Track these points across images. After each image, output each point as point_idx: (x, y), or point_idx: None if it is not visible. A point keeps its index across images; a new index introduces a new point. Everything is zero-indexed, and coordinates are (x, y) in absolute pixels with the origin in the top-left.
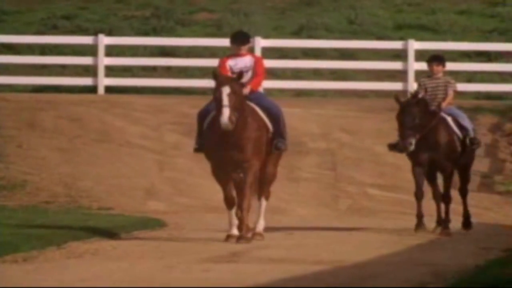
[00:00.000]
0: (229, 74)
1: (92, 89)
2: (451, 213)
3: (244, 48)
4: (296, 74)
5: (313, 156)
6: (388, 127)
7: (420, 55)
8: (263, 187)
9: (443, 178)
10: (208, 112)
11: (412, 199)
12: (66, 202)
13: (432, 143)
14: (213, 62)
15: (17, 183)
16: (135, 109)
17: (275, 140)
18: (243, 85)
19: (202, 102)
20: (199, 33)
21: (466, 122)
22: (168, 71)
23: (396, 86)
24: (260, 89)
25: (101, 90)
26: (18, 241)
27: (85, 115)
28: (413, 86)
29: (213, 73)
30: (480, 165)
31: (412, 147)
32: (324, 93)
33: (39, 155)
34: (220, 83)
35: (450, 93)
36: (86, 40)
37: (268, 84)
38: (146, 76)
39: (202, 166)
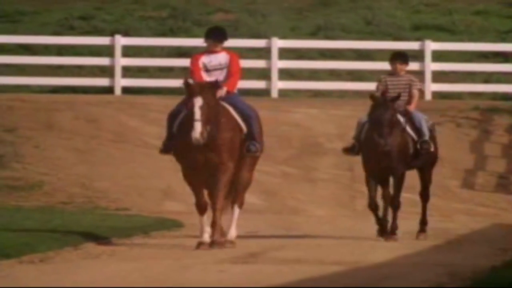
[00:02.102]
0: (201, 72)
1: (109, 90)
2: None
3: (220, 45)
4: (313, 74)
5: (330, 156)
6: None
7: (437, 56)
8: (236, 194)
9: (393, 181)
10: (179, 113)
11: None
12: (83, 203)
13: (385, 151)
14: None
15: (34, 184)
16: (151, 109)
17: (247, 142)
18: (219, 87)
19: None
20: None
21: (423, 123)
22: (185, 72)
23: None
24: (235, 89)
25: (117, 91)
26: (35, 242)
27: (101, 116)
28: (430, 87)
29: (184, 82)
30: (496, 165)
31: (389, 147)
32: (341, 94)
33: (56, 156)
34: (191, 94)
35: (415, 93)
36: (103, 40)
37: (285, 85)
38: (162, 77)
39: None
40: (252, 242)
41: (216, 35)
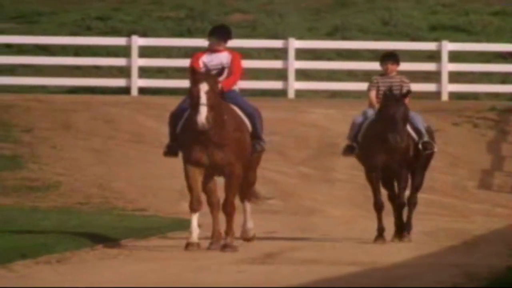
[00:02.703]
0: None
1: (126, 90)
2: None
3: (223, 44)
4: (330, 75)
5: (347, 157)
6: None
7: (454, 56)
8: (245, 190)
9: (397, 184)
10: (183, 112)
11: (446, 199)
12: (99, 203)
13: (388, 147)
14: (247, 64)
15: (50, 184)
16: (168, 110)
17: (253, 141)
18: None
19: None
20: (234, 34)
21: (420, 124)
22: None
23: (430, 87)
24: (235, 88)
25: (134, 91)
26: (51, 242)
27: (118, 116)
28: (446, 87)
29: (190, 68)
30: None
31: (403, 144)
32: (358, 94)
33: (72, 156)
34: (197, 80)
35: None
36: (120, 41)
37: (302, 85)
38: (180, 77)
39: None
40: (269, 242)
41: (220, 33)
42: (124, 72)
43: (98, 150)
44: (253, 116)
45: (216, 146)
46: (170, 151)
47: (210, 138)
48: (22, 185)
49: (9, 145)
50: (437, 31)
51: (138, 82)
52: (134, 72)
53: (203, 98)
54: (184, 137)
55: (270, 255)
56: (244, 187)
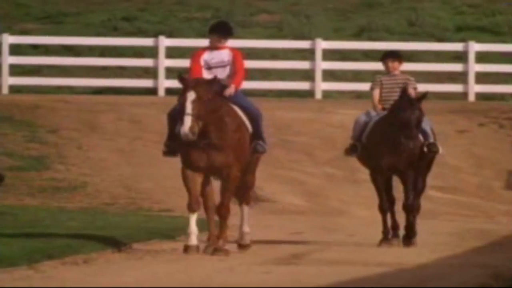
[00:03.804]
0: (202, 69)
1: (152, 91)
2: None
3: (224, 41)
4: (357, 75)
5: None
6: (450, 129)
7: (481, 57)
8: (243, 193)
9: (403, 186)
10: (178, 112)
11: (472, 200)
12: (126, 204)
13: (395, 148)
14: (273, 64)
15: (77, 185)
16: None
17: (254, 142)
18: (224, 86)
19: (263, 103)
20: (260, 35)
21: (427, 126)
22: None
23: (457, 88)
24: (240, 87)
25: (161, 92)
26: (78, 243)
27: (145, 117)
28: (473, 88)
29: (178, 76)
30: None
31: (415, 150)
32: None
33: (99, 157)
34: (184, 88)
35: (411, 91)
36: (147, 42)
37: (328, 86)
38: None
39: (263, 168)
40: (295, 243)
41: (221, 30)
42: (150, 72)
43: (124, 150)
44: (256, 116)
45: (214, 148)
46: (169, 151)
47: (210, 141)
48: (49, 186)
49: (36, 145)
50: (463, 32)
51: (164, 83)
52: (161, 72)
53: (188, 108)
54: (181, 140)
55: (296, 256)
56: (241, 190)
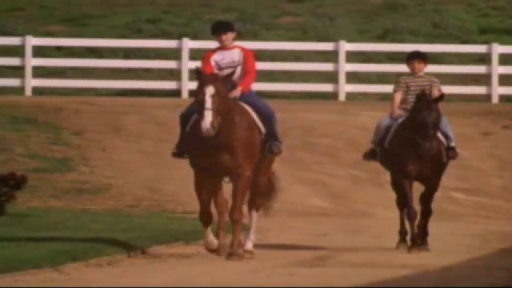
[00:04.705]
0: (214, 70)
1: (176, 93)
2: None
3: (228, 39)
4: (380, 78)
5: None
6: (473, 131)
7: (504, 59)
8: (254, 198)
9: (426, 191)
10: (192, 114)
11: (496, 202)
12: (150, 206)
13: (421, 153)
14: (297, 66)
15: (101, 187)
16: None
17: (269, 142)
18: (233, 86)
19: (287, 106)
20: (284, 37)
21: (448, 129)
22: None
23: (480, 90)
24: (249, 89)
25: (185, 94)
26: (102, 245)
27: (169, 119)
28: (496, 90)
29: (196, 70)
30: None
31: (433, 151)
32: None
33: (123, 159)
34: (203, 83)
35: (436, 93)
36: (170, 43)
37: (352, 88)
38: None
39: (287, 170)
40: (320, 245)
41: (222, 27)
42: (174, 74)
43: (148, 152)
44: (269, 117)
45: (225, 149)
46: (179, 152)
47: (220, 141)
48: (73, 188)
49: (60, 147)
50: (487, 34)
51: (188, 85)
52: (185, 74)
53: (208, 103)
54: (191, 141)
55: (321, 258)
56: (252, 194)
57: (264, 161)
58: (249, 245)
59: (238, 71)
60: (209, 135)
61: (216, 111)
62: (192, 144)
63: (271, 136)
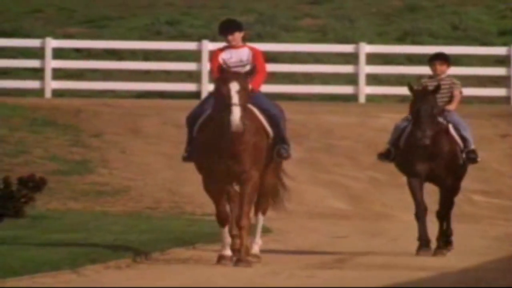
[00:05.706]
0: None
1: (196, 95)
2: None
3: (235, 39)
4: (401, 80)
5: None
6: (492, 133)
7: None
8: (260, 201)
9: (442, 194)
10: (198, 116)
11: None
12: (169, 208)
13: (432, 153)
14: (317, 68)
15: (120, 189)
16: None
17: (277, 146)
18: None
19: (306, 107)
20: (303, 39)
21: (467, 132)
22: (272, 77)
23: (500, 92)
24: (259, 88)
25: (204, 96)
26: (121, 247)
27: None
28: None
29: (217, 67)
30: None
31: (428, 141)
32: None
33: (142, 161)
34: (226, 79)
35: (457, 94)
36: (190, 46)
37: (372, 90)
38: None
39: (306, 172)
40: (339, 247)
41: (230, 26)
42: (194, 76)
43: (167, 154)
44: (277, 119)
45: (233, 153)
46: (189, 156)
47: (227, 145)
48: (92, 190)
49: (79, 149)
50: (506, 36)
51: (208, 87)
52: (204, 76)
53: (235, 98)
54: (198, 144)
55: (340, 260)
56: (260, 197)
57: (272, 164)
58: (255, 249)
59: (247, 70)
60: (239, 130)
61: (243, 107)
62: (199, 148)
63: (279, 139)
